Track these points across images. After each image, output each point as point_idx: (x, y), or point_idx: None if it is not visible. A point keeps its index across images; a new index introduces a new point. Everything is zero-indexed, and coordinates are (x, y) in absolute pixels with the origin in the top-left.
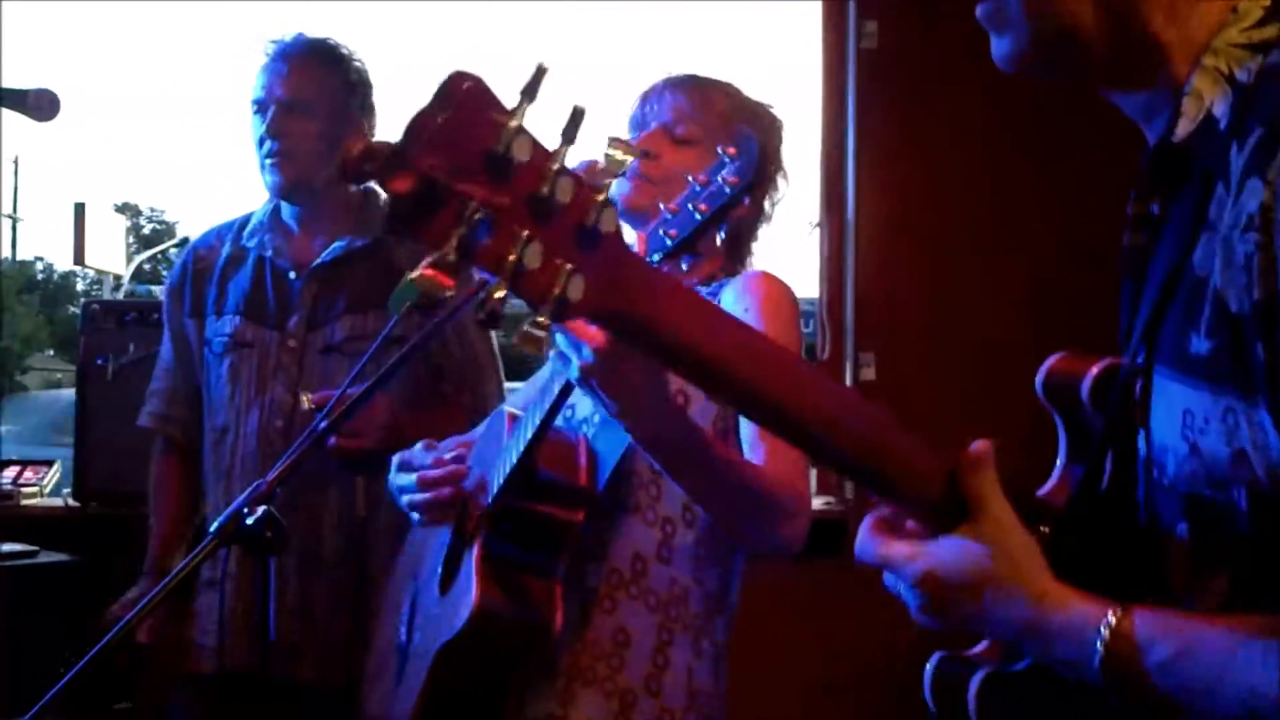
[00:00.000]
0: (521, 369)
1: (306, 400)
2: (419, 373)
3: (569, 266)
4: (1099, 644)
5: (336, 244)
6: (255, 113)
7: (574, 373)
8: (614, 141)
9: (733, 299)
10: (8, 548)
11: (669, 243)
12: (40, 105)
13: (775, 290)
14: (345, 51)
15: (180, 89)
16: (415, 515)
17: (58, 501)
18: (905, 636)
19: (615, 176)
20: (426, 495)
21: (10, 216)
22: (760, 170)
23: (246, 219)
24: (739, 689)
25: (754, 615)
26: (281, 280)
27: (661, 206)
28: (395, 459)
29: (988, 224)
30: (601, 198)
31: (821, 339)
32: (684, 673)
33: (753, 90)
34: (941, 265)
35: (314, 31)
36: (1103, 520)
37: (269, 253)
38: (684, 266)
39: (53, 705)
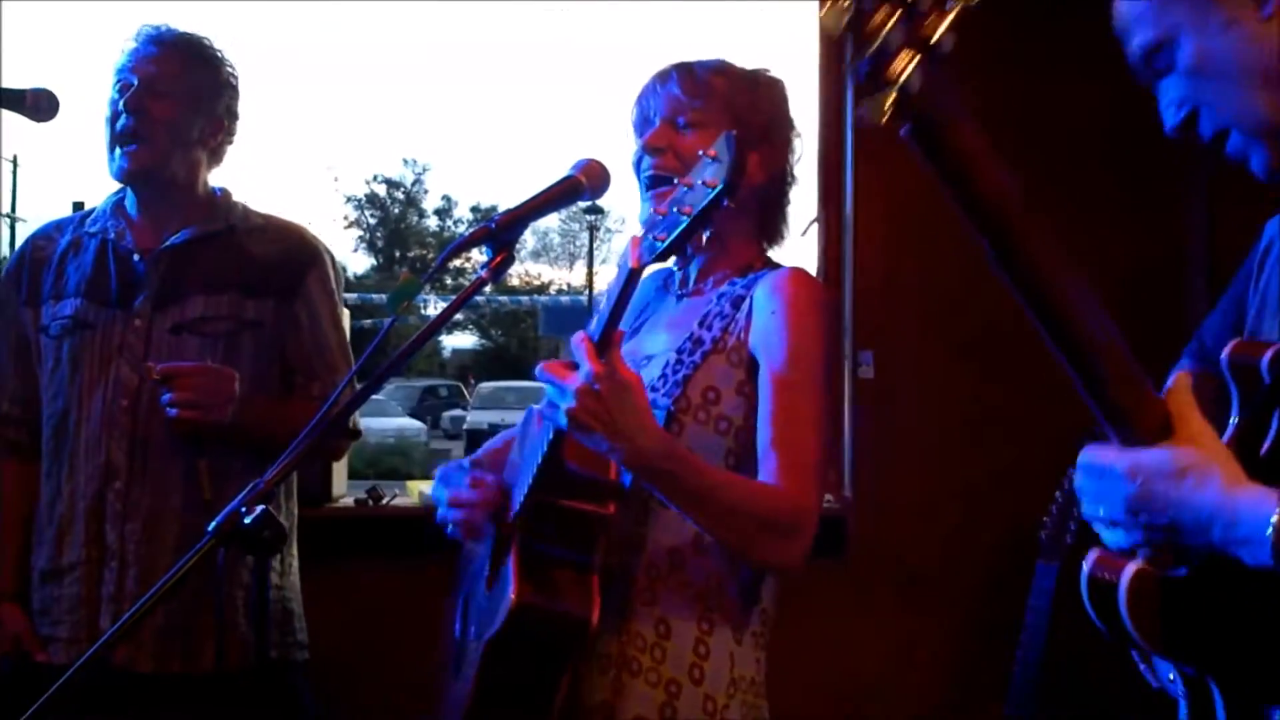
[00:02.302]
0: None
1: (151, 370)
2: (268, 358)
3: (917, 59)
4: (1273, 517)
5: (185, 230)
6: (115, 83)
7: (561, 419)
8: None
9: (764, 298)
10: None
11: (659, 245)
12: (39, 106)
13: (804, 292)
14: (219, 52)
15: None
16: (451, 529)
17: None
18: (904, 635)
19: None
20: (459, 514)
21: (9, 216)
22: (738, 169)
23: (89, 212)
24: None
25: None
26: (125, 262)
27: (651, 209)
28: (437, 473)
29: None
30: (946, 23)
31: None
32: (726, 661)
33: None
34: (940, 262)
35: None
36: (1266, 470)
37: (111, 236)
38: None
39: None
